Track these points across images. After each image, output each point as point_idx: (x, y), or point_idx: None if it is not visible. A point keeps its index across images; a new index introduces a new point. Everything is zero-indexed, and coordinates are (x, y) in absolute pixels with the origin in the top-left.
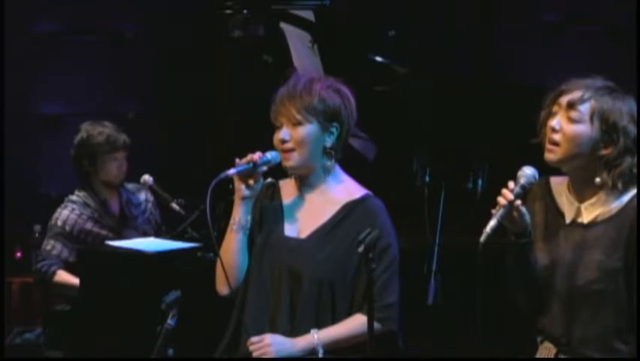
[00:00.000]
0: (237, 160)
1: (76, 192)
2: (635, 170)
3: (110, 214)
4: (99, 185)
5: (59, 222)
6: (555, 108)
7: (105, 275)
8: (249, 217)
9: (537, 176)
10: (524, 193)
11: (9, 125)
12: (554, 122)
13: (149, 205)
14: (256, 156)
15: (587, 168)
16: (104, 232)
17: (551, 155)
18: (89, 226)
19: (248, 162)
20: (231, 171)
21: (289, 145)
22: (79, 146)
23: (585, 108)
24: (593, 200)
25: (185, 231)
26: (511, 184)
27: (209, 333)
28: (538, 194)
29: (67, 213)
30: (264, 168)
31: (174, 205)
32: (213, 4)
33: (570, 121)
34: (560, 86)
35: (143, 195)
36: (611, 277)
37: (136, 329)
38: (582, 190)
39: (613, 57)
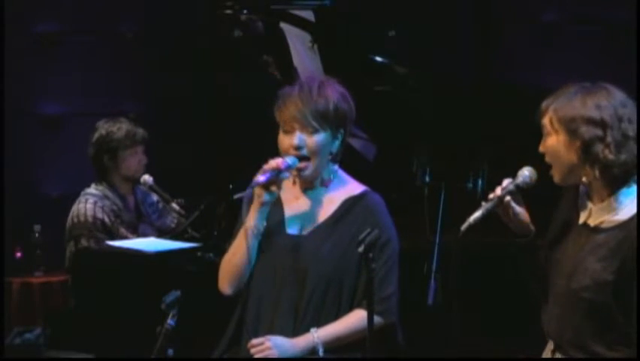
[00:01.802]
0: (263, 167)
1: (94, 186)
2: (610, 155)
3: (127, 208)
4: (119, 180)
5: (90, 218)
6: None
7: (105, 275)
8: (265, 223)
9: (534, 178)
10: (517, 192)
11: (9, 125)
12: (540, 147)
13: (160, 206)
14: (280, 162)
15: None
16: (122, 227)
17: (555, 178)
18: (109, 218)
19: (273, 169)
20: (261, 180)
21: (303, 152)
22: (99, 143)
23: (546, 120)
24: (603, 204)
25: (185, 231)
26: (506, 181)
27: (209, 333)
28: (569, 193)
29: (91, 207)
30: (287, 174)
31: (174, 205)
32: (213, 4)
33: (544, 138)
34: None
35: (154, 197)
36: (600, 287)
37: (136, 329)
38: (591, 194)
39: (613, 57)
